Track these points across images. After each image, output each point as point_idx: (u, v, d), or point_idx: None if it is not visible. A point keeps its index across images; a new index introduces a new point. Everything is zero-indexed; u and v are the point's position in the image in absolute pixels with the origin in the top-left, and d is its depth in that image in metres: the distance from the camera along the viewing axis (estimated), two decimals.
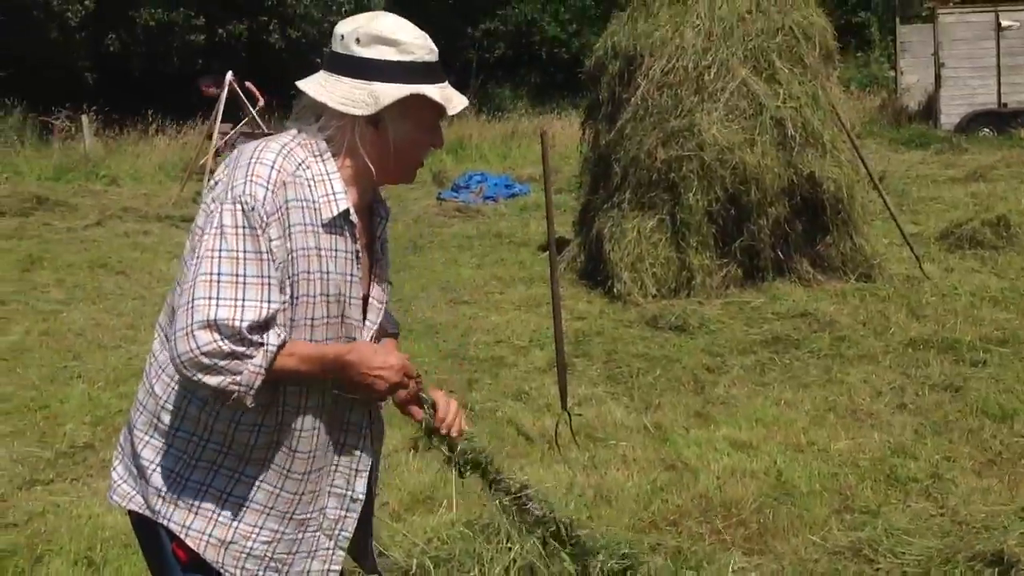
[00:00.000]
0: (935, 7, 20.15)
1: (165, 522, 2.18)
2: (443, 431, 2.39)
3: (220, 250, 2.03)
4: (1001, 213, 10.23)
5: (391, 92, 2.16)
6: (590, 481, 4.78)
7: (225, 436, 2.16)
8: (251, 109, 15.92)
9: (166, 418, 2.19)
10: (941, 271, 8.93)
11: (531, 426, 5.63)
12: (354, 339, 2.26)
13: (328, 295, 2.18)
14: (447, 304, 8.71)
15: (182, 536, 2.17)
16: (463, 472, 2.53)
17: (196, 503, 2.18)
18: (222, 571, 2.19)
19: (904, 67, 21.54)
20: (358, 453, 2.34)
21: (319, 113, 2.21)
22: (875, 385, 6.14)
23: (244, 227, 2.05)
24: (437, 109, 2.24)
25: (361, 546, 2.49)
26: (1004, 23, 19.37)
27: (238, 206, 2.06)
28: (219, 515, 2.18)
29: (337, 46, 2.20)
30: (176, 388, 2.17)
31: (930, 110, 20.34)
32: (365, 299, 2.31)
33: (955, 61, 19.73)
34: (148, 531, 2.23)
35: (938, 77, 19.80)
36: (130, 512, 2.27)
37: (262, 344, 2.03)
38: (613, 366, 6.77)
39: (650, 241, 8.42)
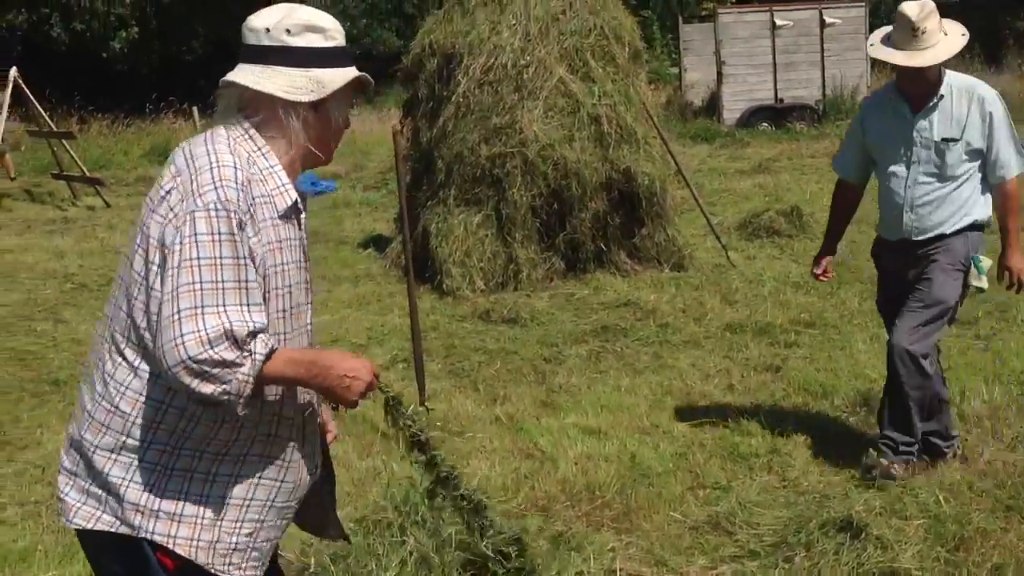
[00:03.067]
0: (715, 7, 21.21)
1: (148, 535, 2.16)
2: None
3: (199, 258, 2.05)
4: (793, 204, 10.98)
5: (337, 76, 2.26)
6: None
7: (202, 440, 2.17)
8: (38, 106, 15.14)
9: (137, 433, 2.16)
10: (744, 259, 9.50)
11: (384, 423, 5.67)
12: (305, 325, 2.34)
13: (290, 286, 2.24)
14: None
15: (169, 546, 2.16)
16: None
17: (178, 511, 2.17)
18: (211, 570, 2.20)
19: (687, 64, 22.56)
20: (315, 428, 2.44)
21: (249, 107, 2.26)
22: (703, 368, 6.51)
23: (219, 233, 2.07)
24: (357, 89, 2.37)
25: (323, 519, 2.60)
26: (779, 22, 20.61)
27: (212, 212, 2.08)
28: (202, 519, 2.19)
29: (263, 39, 2.25)
30: (147, 401, 2.15)
31: (713, 106, 21.40)
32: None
33: (735, 59, 20.84)
34: (124, 548, 2.19)
35: (719, 74, 20.84)
36: (91, 533, 2.22)
37: (251, 353, 2.05)
38: (454, 360, 6.90)
39: (476, 236, 8.60)
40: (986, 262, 4.69)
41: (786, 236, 10.17)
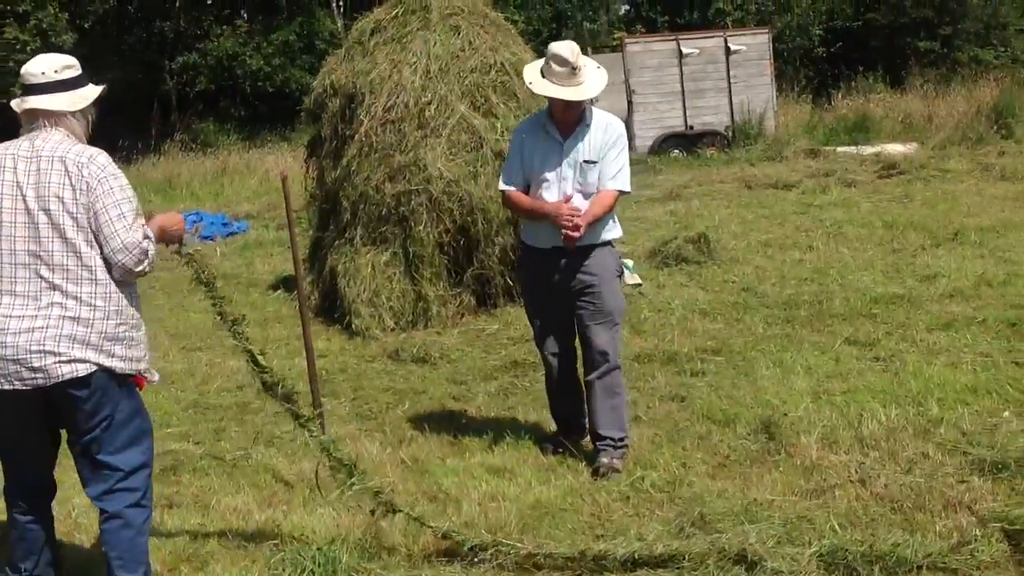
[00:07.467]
0: (623, 37, 21.53)
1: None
2: None
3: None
4: (700, 230, 11.10)
5: (92, 90, 3.94)
6: (356, 522, 4.83)
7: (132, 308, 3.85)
8: None
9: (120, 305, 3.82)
10: (654, 288, 9.57)
11: (288, 471, 5.61)
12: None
13: None
14: (180, 352, 8.46)
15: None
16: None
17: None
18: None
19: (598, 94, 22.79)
20: None
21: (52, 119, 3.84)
22: None
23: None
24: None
25: None
26: (685, 51, 20.98)
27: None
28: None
29: (51, 76, 3.83)
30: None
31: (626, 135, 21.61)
32: None
33: (644, 87, 21.15)
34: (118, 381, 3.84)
35: (630, 103, 21.10)
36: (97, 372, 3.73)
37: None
38: (361, 402, 6.84)
39: (385, 275, 8.55)
40: (628, 262, 5.50)
41: (694, 263, 10.26)
